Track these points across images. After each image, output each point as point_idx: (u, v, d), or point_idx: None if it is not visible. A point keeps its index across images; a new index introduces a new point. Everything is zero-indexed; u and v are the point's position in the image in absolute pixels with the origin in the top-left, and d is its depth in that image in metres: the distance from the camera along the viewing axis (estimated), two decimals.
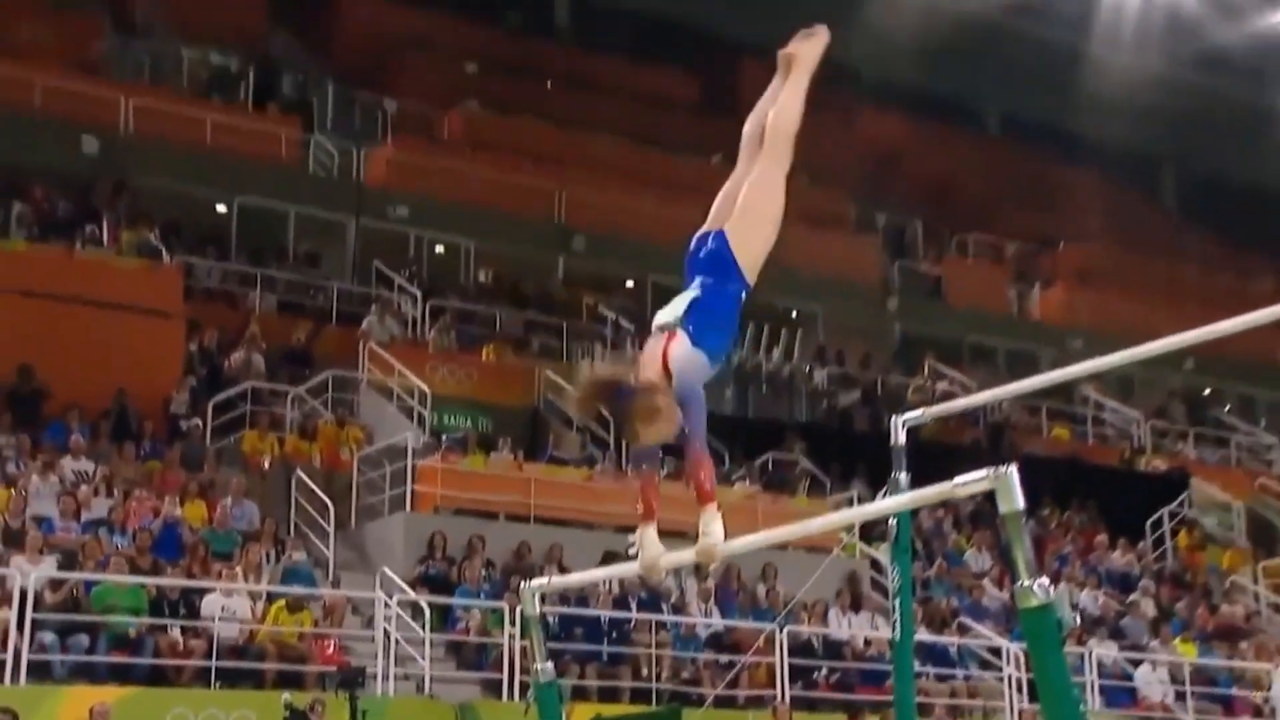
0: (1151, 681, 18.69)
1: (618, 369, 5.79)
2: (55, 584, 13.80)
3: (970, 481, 5.15)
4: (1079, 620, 19.42)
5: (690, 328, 5.88)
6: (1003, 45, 31.73)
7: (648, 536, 6.01)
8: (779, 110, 6.29)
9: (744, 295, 6.16)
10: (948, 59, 32.07)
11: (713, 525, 5.79)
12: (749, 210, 6.13)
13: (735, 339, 6.20)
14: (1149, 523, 24.16)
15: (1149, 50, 31.18)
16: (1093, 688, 17.71)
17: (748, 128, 6.36)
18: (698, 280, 6.00)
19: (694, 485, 5.82)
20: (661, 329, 5.94)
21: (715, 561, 6.04)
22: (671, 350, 5.78)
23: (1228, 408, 31.30)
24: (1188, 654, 19.76)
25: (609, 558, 16.88)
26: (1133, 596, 21.28)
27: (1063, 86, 32.01)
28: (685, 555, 6.19)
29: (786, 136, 6.29)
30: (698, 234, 6.17)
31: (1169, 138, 36.08)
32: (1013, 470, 4.96)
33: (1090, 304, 29.85)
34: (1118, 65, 31.29)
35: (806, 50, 6.56)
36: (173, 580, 14.61)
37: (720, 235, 6.08)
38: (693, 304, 5.93)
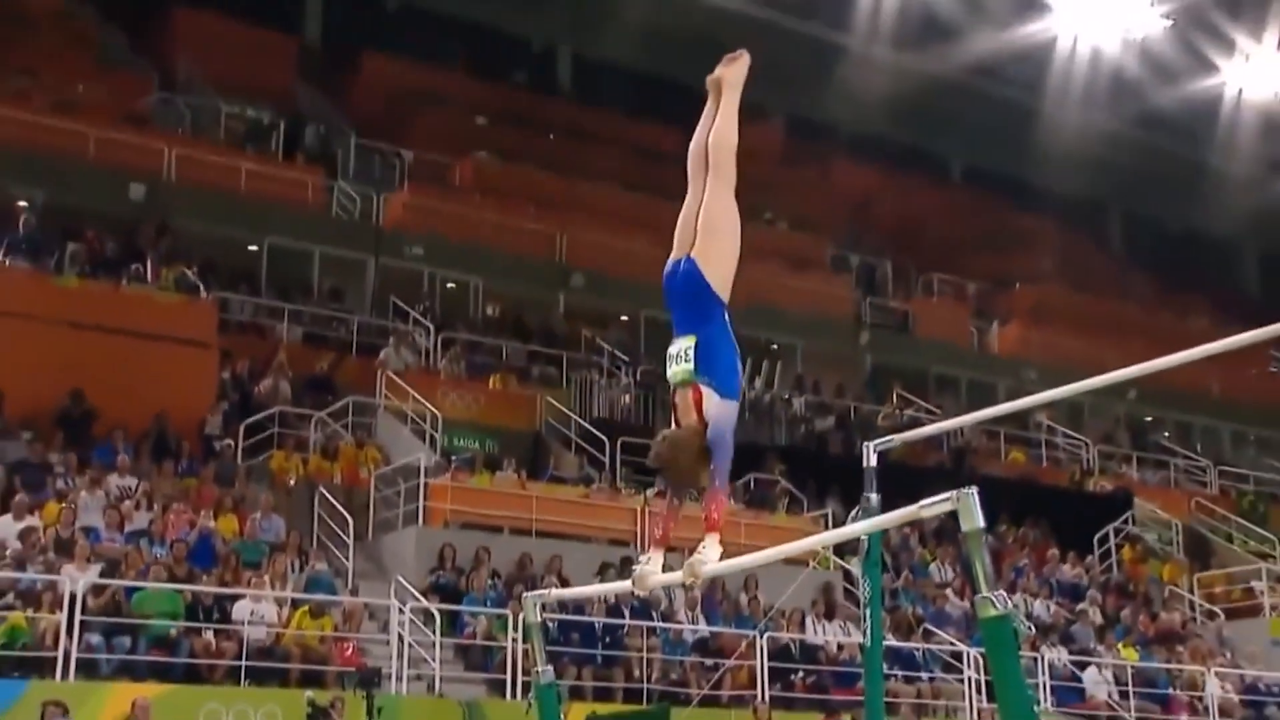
0: (1098, 682, 18.68)
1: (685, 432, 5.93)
2: (100, 589, 13.78)
3: (935, 503, 5.18)
4: (1033, 628, 19.42)
5: (710, 379, 5.92)
6: (965, 103, 31.86)
7: (654, 559, 6.05)
8: (718, 131, 6.28)
9: (726, 314, 6.15)
10: (916, 114, 32.22)
11: (710, 550, 5.82)
12: (710, 230, 6.10)
13: (739, 355, 6.17)
14: (1096, 538, 24.16)
15: (1096, 109, 31.30)
16: (1045, 688, 17.69)
17: (692, 152, 6.35)
18: (688, 328, 6.01)
19: (705, 514, 5.83)
20: (683, 384, 5.92)
21: (698, 579, 6.07)
22: (706, 408, 5.81)
23: (1167, 434, 31.32)
24: (1130, 657, 19.76)
25: (604, 569, 16.93)
26: (1081, 605, 21.27)
27: (1019, 140, 32.13)
28: (674, 576, 6.24)
29: (729, 153, 6.25)
30: (669, 261, 6.18)
31: (1114, 188, 36.23)
32: (973, 493, 4.99)
33: (1044, 339, 29.88)
34: (1068, 122, 31.40)
35: (732, 73, 6.49)
36: (206, 587, 14.59)
37: (690, 261, 6.09)
38: (700, 354, 5.95)
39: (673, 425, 5.98)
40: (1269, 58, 29.51)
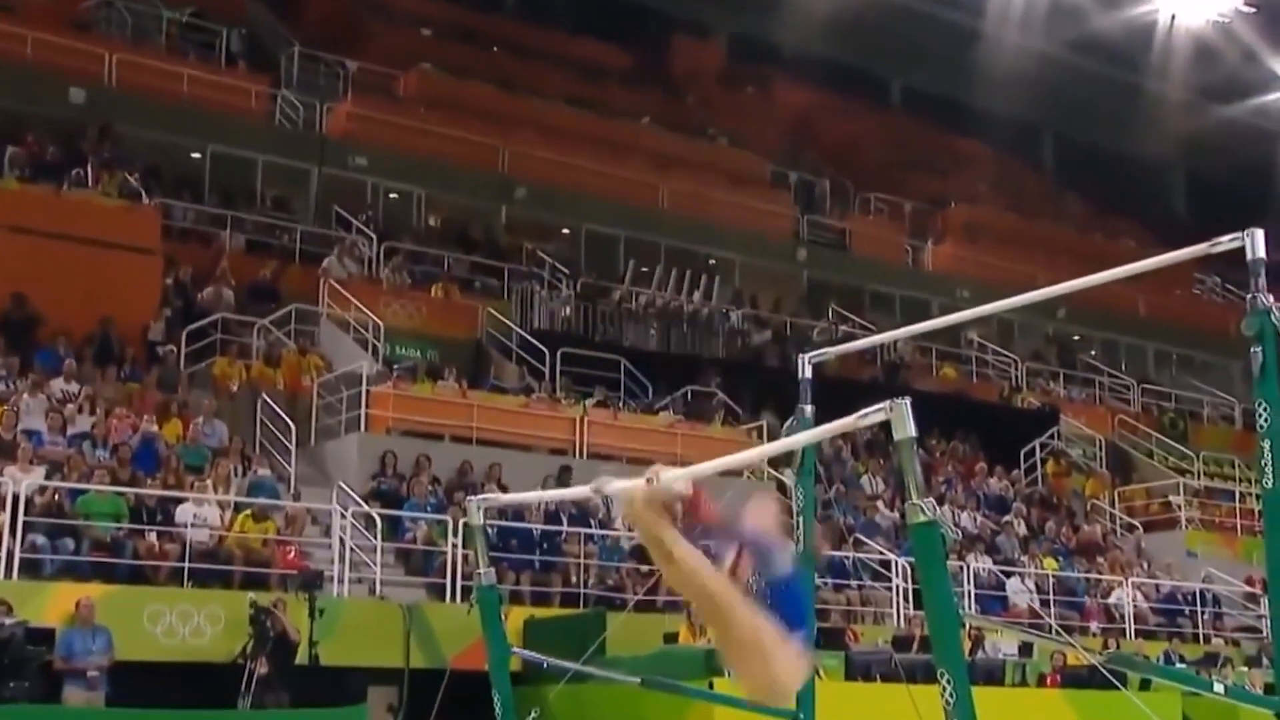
0: (1020, 591, 19.02)
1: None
2: (43, 491, 13.69)
3: (871, 413, 5.20)
4: (960, 535, 19.72)
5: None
6: (905, 24, 31.76)
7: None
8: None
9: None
10: (856, 35, 32.08)
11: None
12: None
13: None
14: (1023, 453, 24.49)
15: (1033, 32, 31.29)
16: (969, 596, 17.99)
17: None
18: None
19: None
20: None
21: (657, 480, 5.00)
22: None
23: (1094, 352, 31.68)
24: (1051, 567, 20.11)
25: (545, 481, 17.01)
26: (1006, 517, 21.60)
27: (957, 63, 32.11)
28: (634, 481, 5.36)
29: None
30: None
31: (1049, 111, 36.32)
32: (907, 403, 5.02)
33: (976, 258, 30.04)
34: (1006, 45, 31.39)
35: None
36: (150, 490, 14.53)
37: None
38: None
39: None
40: None
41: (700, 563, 4.42)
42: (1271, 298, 6.53)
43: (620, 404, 20.34)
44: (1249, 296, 6.58)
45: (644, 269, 25.10)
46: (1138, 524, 23.70)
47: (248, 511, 14.81)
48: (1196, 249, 7.05)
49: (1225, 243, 6.76)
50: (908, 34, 32.30)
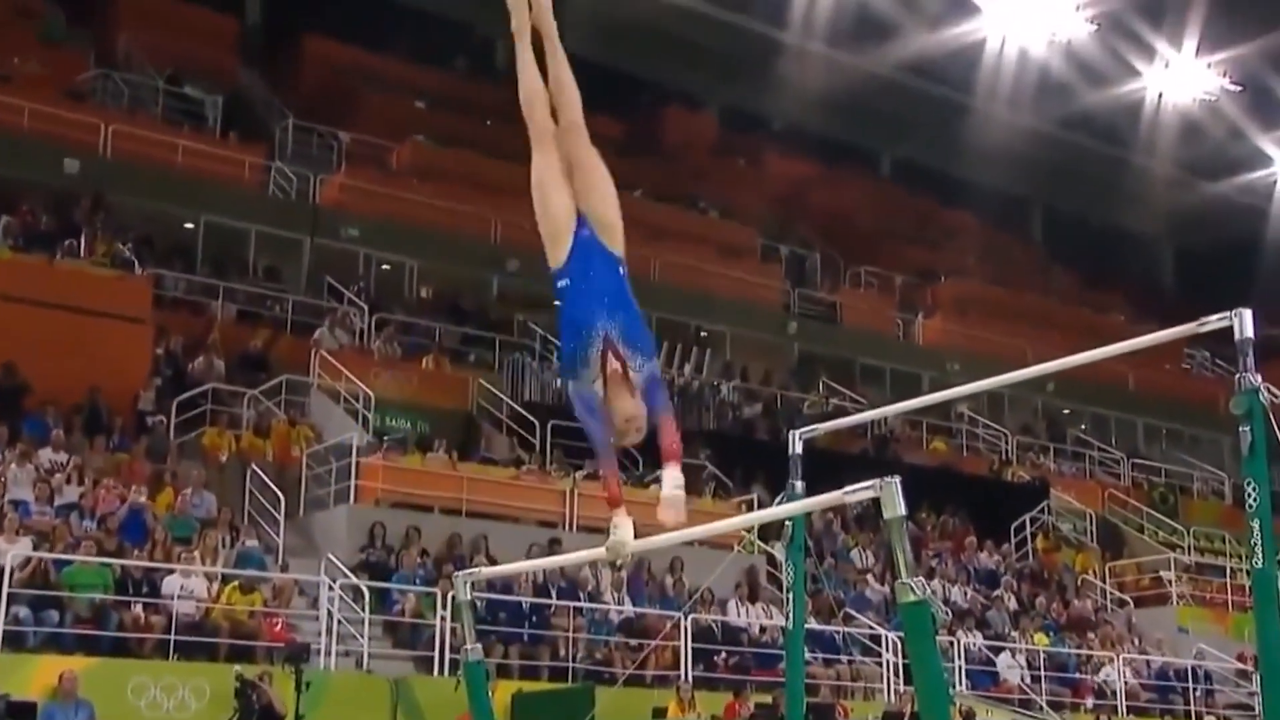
0: (1011, 667, 18.93)
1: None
2: (28, 562, 13.61)
3: (859, 490, 5.22)
4: (949, 613, 19.63)
5: (631, 353, 6.00)
6: (896, 99, 32.06)
7: (623, 525, 5.93)
8: (570, 90, 6.18)
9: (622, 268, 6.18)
10: (847, 109, 32.37)
11: (675, 477, 6.01)
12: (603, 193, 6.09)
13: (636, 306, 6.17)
14: (1013, 527, 24.45)
15: (1022, 108, 31.59)
16: (960, 672, 17.90)
17: (539, 113, 5.92)
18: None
19: (663, 445, 6.09)
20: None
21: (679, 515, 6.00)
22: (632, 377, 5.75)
23: (1084, 426, 31.71)
24: (1042, 643, 20.02)
25: (531, 550, 16.95)
26: (996, 592, 21.54)
27: (947, 137, 32.40)
28: (654, 541, 6.11)
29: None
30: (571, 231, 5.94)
31: (1038, 185, 36.60)
32: (896, 482, 5.04)
33: (966, 332, 30.15)
34: (995, 120, 31.68)
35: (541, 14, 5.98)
36: (136, 561, 14.46)
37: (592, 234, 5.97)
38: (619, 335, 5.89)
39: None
40: (1188, 64, 29.91)
41: None
42: (1260, 377, 6.56)
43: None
44: (1237, 376, 6.61)
45: None
46: (1128, 599, 23.63)
47: (235, 583, 14.73)
48: (1185, 328, 7.09)
49: (1213, 322, 6.80)
50: (898, 108, 32.61)
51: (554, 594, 16.68)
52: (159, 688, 13.14)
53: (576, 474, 19.47)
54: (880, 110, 32.83)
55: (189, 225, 22.91)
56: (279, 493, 16.89)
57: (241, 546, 15.78)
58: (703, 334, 26.92)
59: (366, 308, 22.37)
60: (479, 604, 15.24)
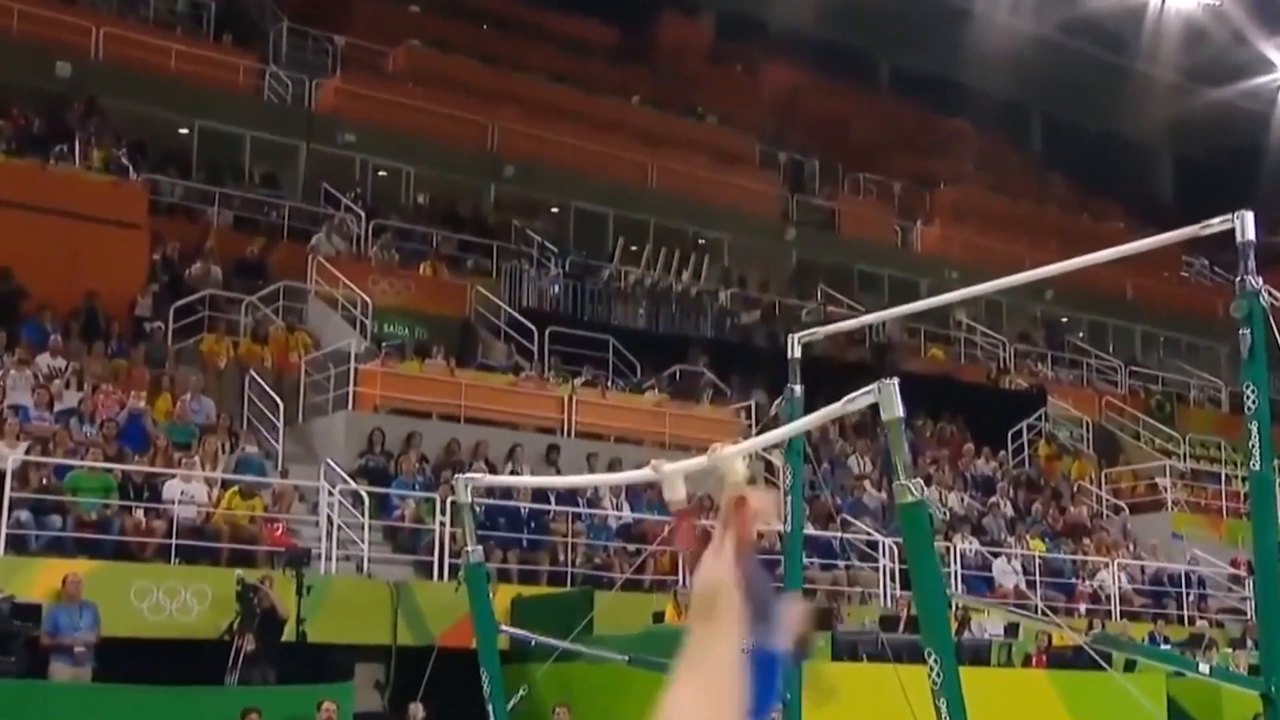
0: (1006, 572, 19.09)
1: None
2: (29, 467, 13.67)
3: (859, 396, 5.24)
4: (946, 515, 19.79)
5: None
6: (895, 4, 31.72)
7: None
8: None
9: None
10: (844, 14, 32.04)
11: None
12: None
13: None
14: (1010, 434, 24.56)
15: (1023, 13, 31.29)
16: (956, 576, 18.05)
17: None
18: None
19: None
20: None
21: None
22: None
23: (1081, 334, 31.76)
24: (1038, 549, 20.18)
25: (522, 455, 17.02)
26: (993, 498, 21.67)
27: (946, 43, 32.08)
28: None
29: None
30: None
31: (1036, 92, 36.31)
32: (895, 384, 5.06)
33: (965, 239, 30.09)
34: (996, 25, 31.38)
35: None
36: (137, 467, 14.52)
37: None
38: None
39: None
40: None
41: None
42: (1260, 280, 6.57)
43: (608, 383, 20.35)
44: (1238, 279, 6.61)
45: (633, 248, 25.10)
46: (1124, 506, 23.80)
47: (235, 489, 14.81)
48: (1186, 231, 7.08)
49: (1215, 225, 6.79)
50: (897, 14, 32.26)
51: (552, 500, 16.78)
52: (161, 591, 13.25)
53: (574, 380, 19.52)
54: (879, 16, 32.47)
55: (183, 131, 22.76)
56: (277, 399, 16.93)
57: (241, 452, 15.84)
58: (700, 241, 26.86)
59: (363, 214, 22.29)
60: (478, 509, 15.35)
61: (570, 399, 18.86)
